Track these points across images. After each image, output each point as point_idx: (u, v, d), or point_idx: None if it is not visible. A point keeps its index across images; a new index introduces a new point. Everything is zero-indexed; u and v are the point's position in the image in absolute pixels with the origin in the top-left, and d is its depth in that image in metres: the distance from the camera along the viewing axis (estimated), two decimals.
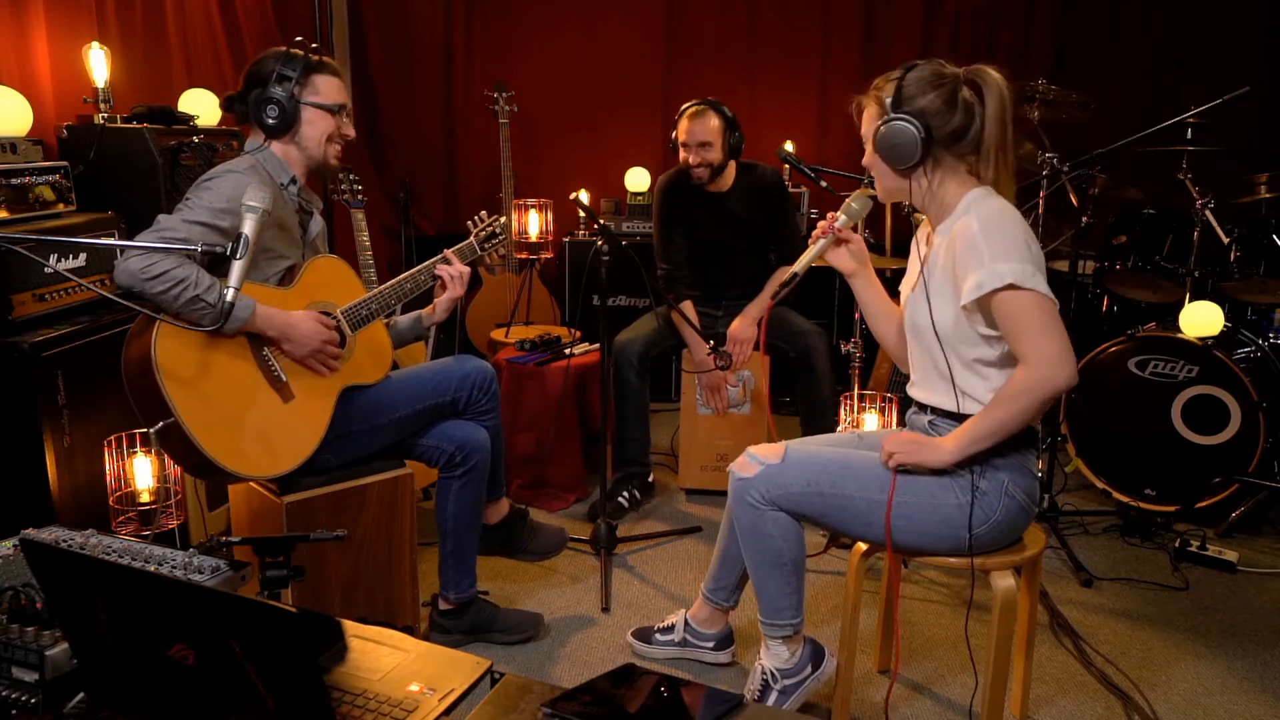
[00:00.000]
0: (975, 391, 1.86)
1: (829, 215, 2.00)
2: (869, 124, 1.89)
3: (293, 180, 2.18)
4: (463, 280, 2.34)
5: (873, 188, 1.98)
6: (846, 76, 4.70)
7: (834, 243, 2.02)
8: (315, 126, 2.15)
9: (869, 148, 1.89)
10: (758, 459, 1.95)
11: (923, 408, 1.98)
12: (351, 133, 2.23)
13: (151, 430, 1.91)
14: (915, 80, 1.81)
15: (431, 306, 2.40)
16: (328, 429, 2.12)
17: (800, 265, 2.00)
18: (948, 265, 1.83)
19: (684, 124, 3.24)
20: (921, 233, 2.05)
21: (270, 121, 2.11)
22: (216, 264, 2.04)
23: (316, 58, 2.15)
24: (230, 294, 1.68)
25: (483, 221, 2.49)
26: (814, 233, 2.02)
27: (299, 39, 2.18)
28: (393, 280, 2.28)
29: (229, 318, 1.81)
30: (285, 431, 2.05)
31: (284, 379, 2.07)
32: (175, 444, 1.94)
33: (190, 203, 1.97)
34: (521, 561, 2.66)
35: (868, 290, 2.08)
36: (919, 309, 1.90)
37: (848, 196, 2.01)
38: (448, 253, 2.35)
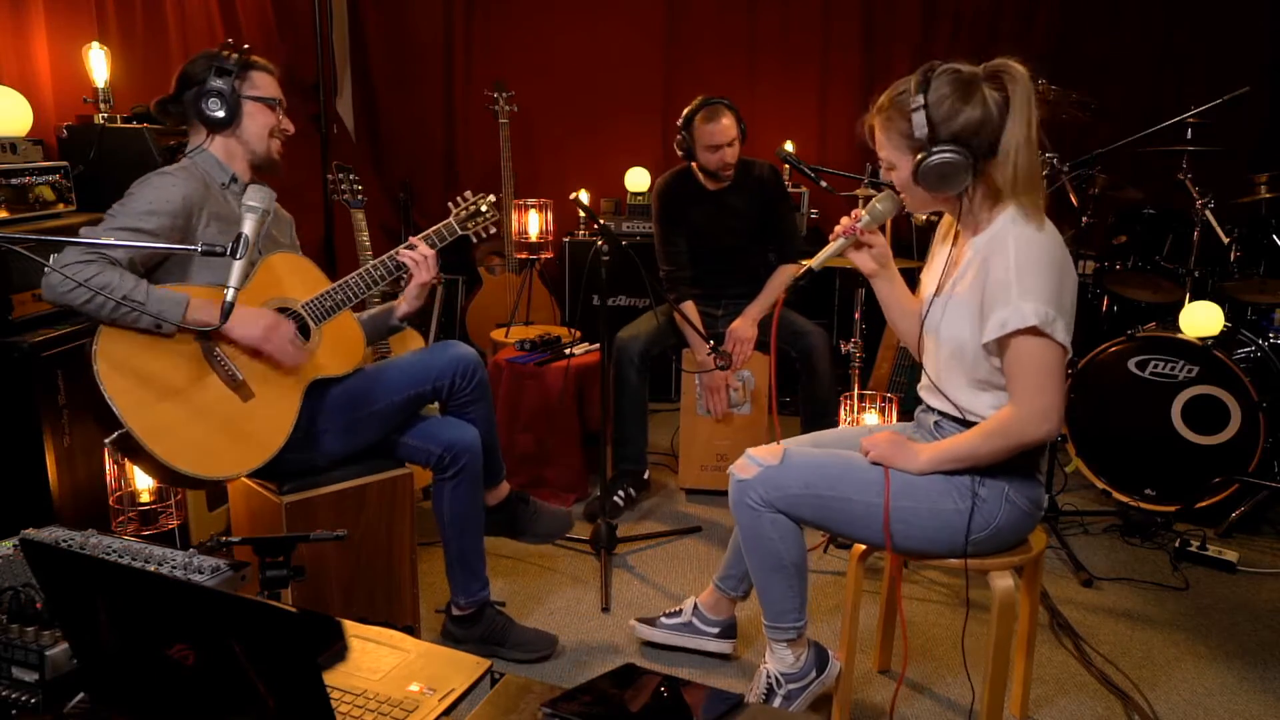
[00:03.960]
0: (977, 407, 1.85)
1: (853, 213, 1.95)
2: (891, 150, 1.80)
3: (233, 179, 2.15)
4: (430, 265, 2.26)
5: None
6: (846, 76, 4.71)
7: (854, 244, 1.95)
8: (256, 120, 2.15)
9: (896, 174, 1.82)
10: (756, 461, 1.94)
11: (930, 408, 1.98)
12: (290, 127, 2.22)
13: (106, 441, 1.90)
14: (941, 99, 1.71)
15: (401, 297, 2.35)
16: (295, 424, 2.08)
17: (817, 261, 1.94)
18: (976, 286, 1.77)
19: (707, 127, 3.20)
20: (946, 229, 1.99)
21: (213, 115, 2.10)
22: (149, 272, 2.03)
23: (249, 56, 2.15)
24: (230, 294, 1.66)
25: (465, 200, 2.39)
26: (835, 229, 1.95)
27: (228, 40, 2.19)
28: (357, 271, 2.22)
29: (226, 316, 1.74)
30: (246, 430, 2.01)
31: (240, 377, 2.03)
32: (134, 453, 1.92)
33: (113, 210, 1.97)
34: (525, 544, 2.58)
35: (890, 291, 2.02)
36: (938, 316, 1.87)
37: (873, 198, 1.95)
38: (413, 239, 2.29)
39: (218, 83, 2.09)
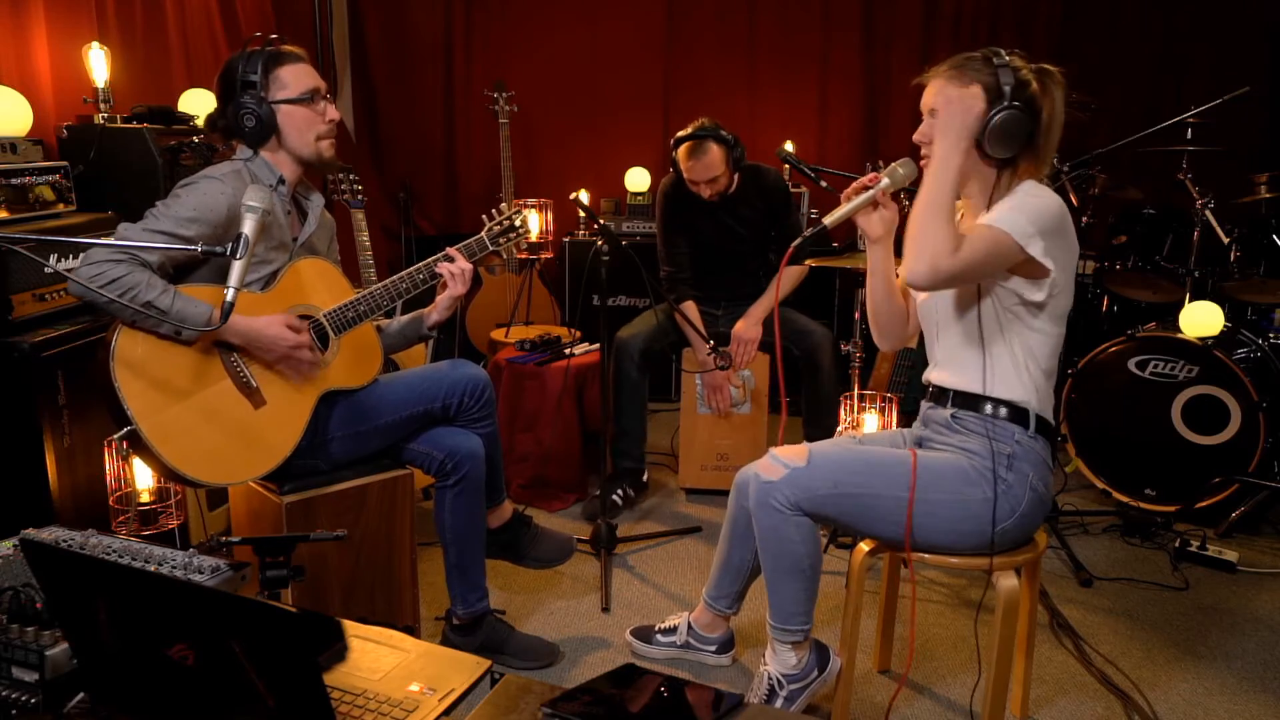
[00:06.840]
0: (1004, 371, 1.85)
1: (870, 175, 1.93)
2: (951, 101, 1.80)
3: (280, 181, 2.11)
4: (465, 278, 2.24)
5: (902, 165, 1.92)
6: (846, 76, 4.70)
7: (871, 204, 1.93)
8: (294, 122, 2.07)
9: (936, 124, 1.82)
10: (782, 462, 1.91)
11: (943, 395, 1.95)
12: (335, 115, 2.14)
13: (115, 438, 1.88)
14: (1019, 68, 1.78)
15: (432, 306, 2.32)
16: (304, 434, 2.07)
17: (831, 219, 1.92)
18: None
19: (686, 163, 3.19)
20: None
21: (250, 132, 2.04)
22: (185, 272, 2.02)
23: (273, 48, 2.07)
24: (230, 294, 1.66)
25: (500, 214, 2.36)
26: (847, 190, 1.94)
27: (256, 34, 2.11)
28: (386, 280, 2.19)
29: (226, 316, 1.72)
30: (255, 437, 2.00)
31: (254, 384, 2.01)
32: (142, 450, 1.91)
33: (157, 211, 1.93)
34: (524, 568, 2.61)
35: (885, 260, 2.02)
36: (944, 293, 1.89)
37: (894, 162, 1.93)
38: (450, 250, 2.26)
39: (245, 99, 2.02)
